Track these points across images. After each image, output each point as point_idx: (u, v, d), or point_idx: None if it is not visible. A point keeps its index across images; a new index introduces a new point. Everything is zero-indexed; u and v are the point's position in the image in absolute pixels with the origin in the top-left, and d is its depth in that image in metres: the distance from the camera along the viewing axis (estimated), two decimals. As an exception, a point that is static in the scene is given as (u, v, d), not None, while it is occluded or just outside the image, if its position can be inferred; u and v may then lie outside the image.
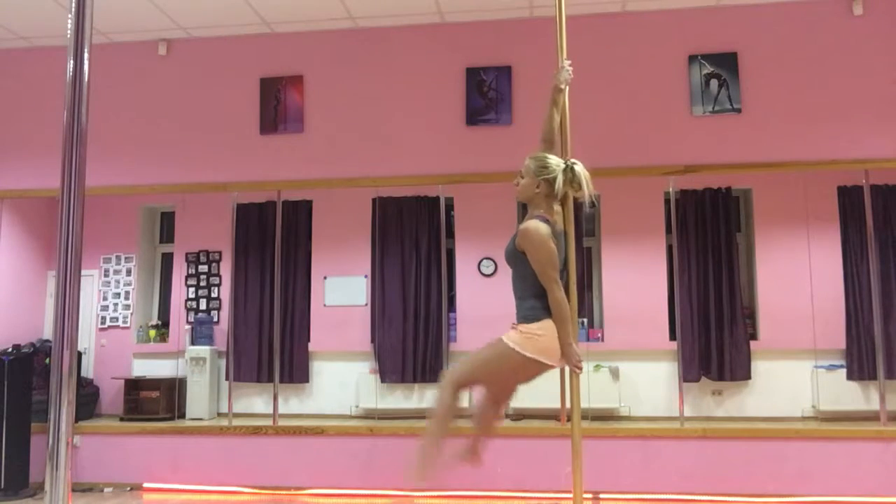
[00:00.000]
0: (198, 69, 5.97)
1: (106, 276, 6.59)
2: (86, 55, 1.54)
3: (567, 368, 3.04)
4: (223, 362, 6.21)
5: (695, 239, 5.90)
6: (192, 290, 6.52)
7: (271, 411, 5.80)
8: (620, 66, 5.53)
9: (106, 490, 5.63)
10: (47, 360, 6.05)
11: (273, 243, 6.12)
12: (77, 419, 5.58)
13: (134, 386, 6.11)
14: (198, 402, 6.06)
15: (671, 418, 5.64)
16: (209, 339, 6.32)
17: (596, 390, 5.47)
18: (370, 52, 5.79)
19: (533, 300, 3.00)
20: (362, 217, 6.23)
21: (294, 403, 6.21)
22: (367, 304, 6.20)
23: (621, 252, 5.93)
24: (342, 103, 5.78)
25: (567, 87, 3.14)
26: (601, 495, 5.10)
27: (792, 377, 5.73)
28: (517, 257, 3.05)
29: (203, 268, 6.53)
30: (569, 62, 3.14)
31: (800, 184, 5.63)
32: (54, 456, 1.43)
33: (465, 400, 3.30)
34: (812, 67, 5.38)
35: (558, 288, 2.93)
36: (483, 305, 5.92)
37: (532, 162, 3.10)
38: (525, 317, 3.01)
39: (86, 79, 1.53)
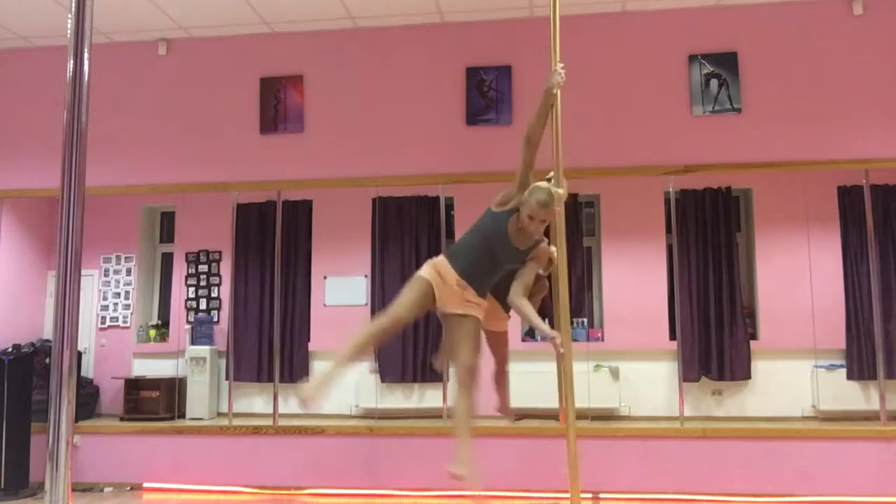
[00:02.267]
0: (198, 69, 5.97)
1: (106, 275, 6.59)
2: (86, 55, 1.54)
3: (564, 367, 3.06)
4: (223, 362, 6.21)
5: (695, 239, 5.90)
6: (192, 289, 6.53)
7: (271, 411, 5.80)
8: (620, 65, 5.53)
9: (106, 490, 5.62)
10: (47, 360, 6.04)
11: (273, 243, 6.11)
12: (77, 419, 5.57)
13: (134, 386, 6.11)
14: (198, 401, 6.06)
15: (671, 418, 5.64)
16: (209, 339, 6.32)
17: (596, 390, 5.47)
18: (370, 52, 5.79)
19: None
20: (362, 217, 6.23)
21: (294, 403, 6.20)
22: (367, 304, 6.20)
23: (621, 252, 5.93)
24: (342, 103, 5.78)
25: (559, 91, 3.10)
26: (601, 495, 5.10)
27: (792, 377, 5.73)
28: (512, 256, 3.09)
29: (203, 267, 6.53)
30: (561, 65, 3.10)
31: (800, 184, 5.63)
32: (54, 456, 1.43)
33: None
34: (812, 67, 5.37)
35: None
36: (483, 305, 5.92)
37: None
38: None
39: (86, 79, 1.53)
